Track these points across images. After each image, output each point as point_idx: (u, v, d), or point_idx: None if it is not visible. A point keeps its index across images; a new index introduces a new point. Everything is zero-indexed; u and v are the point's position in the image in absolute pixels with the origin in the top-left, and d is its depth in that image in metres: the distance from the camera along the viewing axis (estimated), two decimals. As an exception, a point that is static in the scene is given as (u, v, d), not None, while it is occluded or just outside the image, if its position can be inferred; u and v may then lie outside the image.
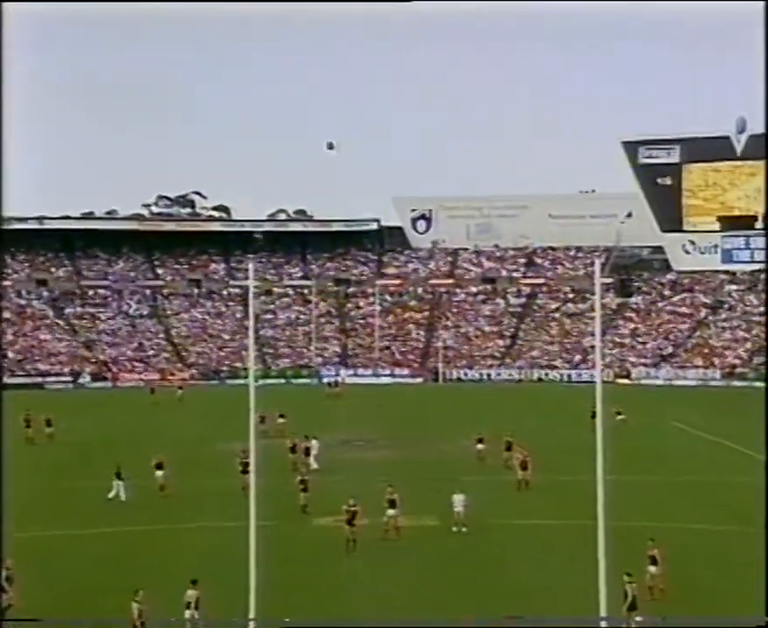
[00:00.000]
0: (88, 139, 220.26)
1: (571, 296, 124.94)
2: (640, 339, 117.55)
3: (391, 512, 33.84)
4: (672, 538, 32.95)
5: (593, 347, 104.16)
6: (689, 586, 27.82)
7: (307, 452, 47.30)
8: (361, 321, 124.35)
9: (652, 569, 25.61)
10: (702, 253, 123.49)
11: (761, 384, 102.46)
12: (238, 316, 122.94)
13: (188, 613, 22.79)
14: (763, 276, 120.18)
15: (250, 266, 19.38)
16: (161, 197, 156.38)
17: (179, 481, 42.92)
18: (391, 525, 33.74)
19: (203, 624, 16.54)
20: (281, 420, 57.91)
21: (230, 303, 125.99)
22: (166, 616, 23.15)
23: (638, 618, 16.44)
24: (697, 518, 37.17)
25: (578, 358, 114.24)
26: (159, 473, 41.91)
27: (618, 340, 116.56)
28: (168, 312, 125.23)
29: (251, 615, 15.49)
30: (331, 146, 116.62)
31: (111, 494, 40.37)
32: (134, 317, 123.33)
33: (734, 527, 35.62)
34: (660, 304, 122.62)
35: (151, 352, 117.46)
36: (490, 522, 36.28)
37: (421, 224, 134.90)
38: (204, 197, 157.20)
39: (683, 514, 37.90)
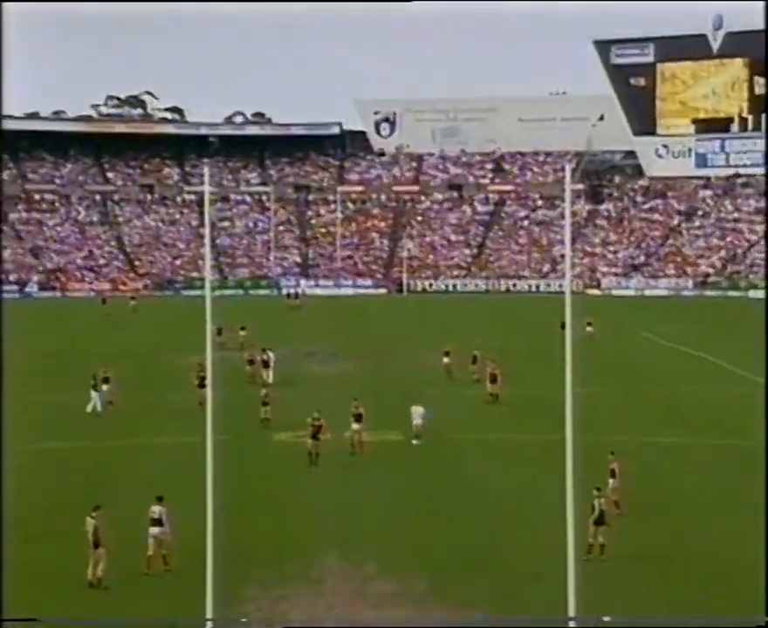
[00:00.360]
0: (32, 34, 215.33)
1: (540, 203, 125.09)
2: (611, 248, 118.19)
3: (356, 426, 34.04)
4: (641, 451, 33.51)
5: (562, 256, 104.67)
6: (654, 499, 28.35)
7: (266, 364, 47.38)
8: (322, 229, 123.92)
9: (611, 482, 26.00)
10: (676, 157, 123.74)
11: (735, 293, 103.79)
12: (193, 223, 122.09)
13: (155, 530, 22.84)
14: (738, 180, 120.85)
15: (206, 171, 19.14)
16: (110, 97, 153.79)
17: (134, 395, 42.87)
18: (356, 440, 33.98)
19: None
20: (242, 333, 57.89)
21: (185, 210, 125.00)
22: (124, 533, 23.25)
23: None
24: (667, 430, 37.73)
25: (547, 267, 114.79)
26: (105, 387, 41.62)
27: (588, 249, 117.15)
28: (120, 219, 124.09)
29: (209, 533, 15.64)
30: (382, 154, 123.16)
31: (89, 408, 40.26)
32: (84, 224, 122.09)
33: (704, 439, 36.20)
34: (632, 212, 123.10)
35: (102, 261, 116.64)
36: (457, 436, 36.63)
37: (385, 128, 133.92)
38: (156, 98, 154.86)
39: (653, 426, 38.45)
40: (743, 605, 20.74)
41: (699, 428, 38.11)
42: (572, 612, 15.45)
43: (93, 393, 40.47)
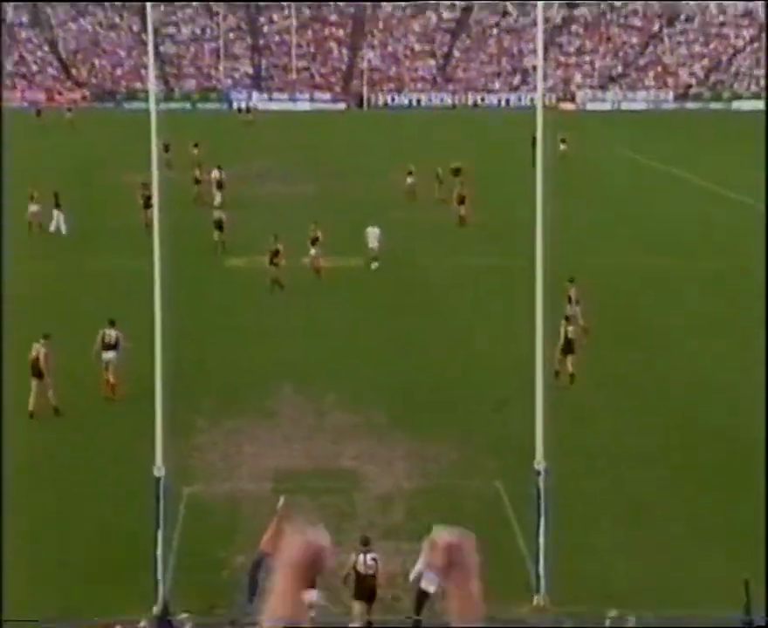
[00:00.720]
0: None
1: (510, 8, 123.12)
2: (586, 58, 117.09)
3: (314, 251, 34.18)
4: (615, 274, 33.98)
5: (534, 67, 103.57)
6: (626, 324, 28.92)
7: (219, 185, 47.04)
8: (276, 38, 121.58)
9: (568, 308, 26.36)
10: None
11: (717, 105, 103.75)
12: (135, 28, 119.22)
13: (109, 354, 23.19)
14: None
15: (147, -30, 18.66)
16: None
17: (76, 216, 42.57)
18: (314, 265, 34.15)
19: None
20: (194, 150, 57.09)
21: (125, 13, 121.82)
22: (75, 361, 23.48)
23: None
24: (643, 252, 38.12)
25: (517, 79, 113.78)
26: (33, 207, 41.45)
27: (562, 59, 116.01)
28: (53, 21, 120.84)
29: (157, 361, 15.80)
30: None
31: (52, 228, 40.35)
32: (12, 25, 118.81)
33: (683, 261, 36.64)
34: (609, 16, 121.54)
35: (34, 68, 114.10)
36: (421, 261, 36.83)
37: None
38: None
39: (629, 248, 38.81)
40: (711, 429, 21.39)
41: (678, 250, 38.56)
42: (539, 440, 15.88)
43: (55, 212, 40.62)
